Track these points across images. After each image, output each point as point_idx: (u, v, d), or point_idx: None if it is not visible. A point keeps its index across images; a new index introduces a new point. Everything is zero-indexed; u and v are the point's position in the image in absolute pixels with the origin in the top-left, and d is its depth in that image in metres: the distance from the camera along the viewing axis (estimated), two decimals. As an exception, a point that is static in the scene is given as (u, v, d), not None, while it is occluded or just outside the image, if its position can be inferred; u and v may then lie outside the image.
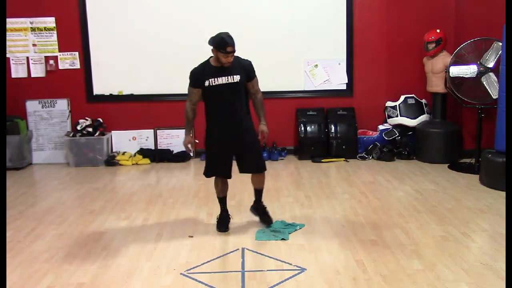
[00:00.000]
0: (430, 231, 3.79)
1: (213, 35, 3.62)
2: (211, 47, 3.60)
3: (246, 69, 3.73)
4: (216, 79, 3.64)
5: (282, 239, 3.69)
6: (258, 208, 4.03)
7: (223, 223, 3.94)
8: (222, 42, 3.53)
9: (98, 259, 3.43)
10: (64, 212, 4.48)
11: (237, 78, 3.66)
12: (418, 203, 4.47)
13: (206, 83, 3.65)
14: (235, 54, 3.65)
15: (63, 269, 3.29)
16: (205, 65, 3.72)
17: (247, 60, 3.79)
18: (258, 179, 3.92)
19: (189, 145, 3.86)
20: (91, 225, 4.12)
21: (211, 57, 3.71)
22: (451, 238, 3.64)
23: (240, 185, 5.01)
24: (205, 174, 3.93)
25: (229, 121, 3.73)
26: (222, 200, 4.01)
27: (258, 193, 4.00)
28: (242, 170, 3.86)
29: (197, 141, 6.59)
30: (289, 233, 3.78)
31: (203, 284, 3.04)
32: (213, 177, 3.93)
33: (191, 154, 3.76)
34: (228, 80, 3.65)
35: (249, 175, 3.91)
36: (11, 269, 3.30)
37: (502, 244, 3.49)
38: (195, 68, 3.77)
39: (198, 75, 3.70)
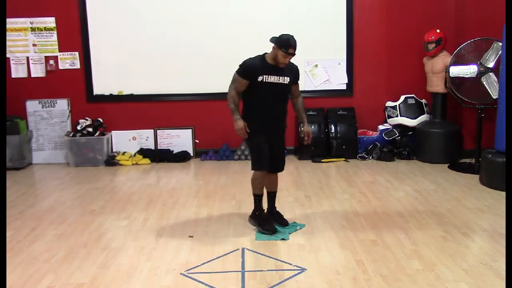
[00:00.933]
0: (430, 231, 3.79)
1: (278, 35, 3.71)
2: (273, 45, 3.70)
3: (295, 73, 3.87)
4: (270, 76, 3.72)
5: (282, 239, 3.69)
6: (273, 214, 4.00)
7: (270, 222, 3.86)
8: (286, 43, 3.63)
9: (98, 259, 3.43)
10: (64, 212, 4.48)
11: (287, 80, 3.77)
12: (418, 203, 4.47)
13: (260, 78, 3.70)
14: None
15: (63, 269, 3.29)
16: (261, 60, 3.76)
17: (296, 65, 3.91)
18: (273, 179, 3.97)
19: (245, 128, 3.72)
20: (91, 225, 4.12)
21: (266, 53, 3.78)
22: (451, 238, 3.64)
23: (240, 185, 5.02)
24: (258, 168, 3.79)
25: (274, 119, 3.83)
26: (262, 198, 3.90)
27: (273, 197, 4.03)
28: (270, 169, 3.86)
29: (197, 141, 6.61)
30: (289, 233, 3.79)
31: (203, 284, 3.04)
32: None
33: (246, 136, 3.68)
34: (279, 80, 3.74)
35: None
36: (11, 269, 3.30)
37: (502, 244, 3.49)
38: (250, 59, 3.79)
39: (253, 68, 3.72)
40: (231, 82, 3.79)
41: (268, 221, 3.86)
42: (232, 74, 3.77)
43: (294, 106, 3.98)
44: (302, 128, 3.97)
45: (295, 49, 3.66)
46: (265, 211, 3.98)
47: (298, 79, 3.92)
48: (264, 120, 3.78)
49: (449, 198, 4.60)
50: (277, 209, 4.06)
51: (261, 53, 3.81)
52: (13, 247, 3.67)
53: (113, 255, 3.50)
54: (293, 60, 3.83)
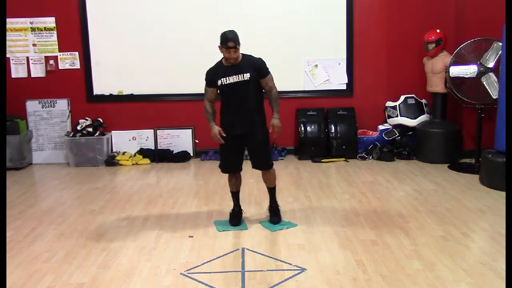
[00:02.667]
0: (430, 231, 3.79)
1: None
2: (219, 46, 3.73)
3: (257, 67, 3.81)
4: (227, 78, 3.76)
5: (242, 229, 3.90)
6: (270, 209, 4.12)
7: (235, 217, 4.05)
8: (223, 37, 3.68)
9: (98, 259, 3.43)
10: (64, 212, 4.48)
11: (247, 76, 3.76)
12: (418, 203, 4.47)
13: (219, 82, 3.79)
14: (247, 53, 3.81)
15: (63, 269, 3.29)
16: (218, 65, 3.86)
17: (258, 58, 3.87)
18: (266, 177, 4.05)
19: (219, 135, 3.82)
20: (91, 225, 4.12)
21: (223, 57, 3.81)
22: (451, 238, 3.64)
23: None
24: (221, 170, 4.05)
25: (240, 118, 3.83)
26: (235, 195, 4.11)
27: (270, 192, 4.12)
28: (252, 166, 4.00)
29: (197, 141, 6.61)
30: (274, 230, 3.86)
31: (203, 284, 3.04)
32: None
33: (222, 141, 3.77)
34: (238, 79, 3.75)
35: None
36: (11, 269, 3.30)
37: (502, 244, 3.49)
38: (210, 68, 3.90)
39: (211, 75, 3.84)
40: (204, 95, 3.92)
41: (233, 216, 4.06)
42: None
43: (268, 101, 3.90)
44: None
45: (234, 41, 3.66)
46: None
47: (264, 72, 3.84)
48: (232, 119, 3.83)
49: (449, 198, 4.60)
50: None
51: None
52: (13, 247, 3.67)
53: (113, 255, 3.50)
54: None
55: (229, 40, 3.65)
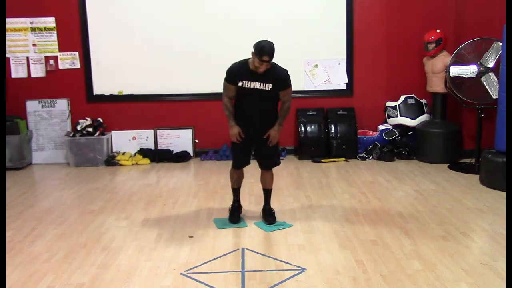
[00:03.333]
0: (430, 231, 3.79)
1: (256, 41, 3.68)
2: (252, 50, 3.67)
3: (280, 80, 3.80)
4: (250, 82, 3.75)
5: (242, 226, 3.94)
6: (264, 211, 4.11)
7: (234, 213, 4.08)
8: (260, 49, 3.59)
9: (98, 259, 3.43)
10: (64, 212, 4.48)
11: (269, 86, 3.76)
12: (418, 203, 4.47)
13: (240, 84, 3.77)
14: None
15: (63, 269, 3.29)
16: (243, 65, 3.79)
17: (284, 70, 3.84)
18: (264, 177, 4.06)
19: (238, 135, 3.84)
20: (91, 225, 4.12)
21: (251, 58, 3.76)
22: (451, 238, 3.64)
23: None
24: (233, 166, 4.07)
25: (254, 120, 3.86)
26: (236, 191, 4.15)
27: (266, 194, 4.12)
28: (258, 164, 4.05)
29: (197, 141, 6.61)
30: (270, 231, 3.86)
31: (203, 284, 3.04)
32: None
33: (239, 141, 3.86)
34: (260, 86, 3.75)
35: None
36: (11, 269, 3.30)
37: (502, 244, 3.49)
38: (233, 65, 3.84)
39: (235, 73, 3.78)
40: (223, 89, 3.88)
41: (233, 213, 4.09)
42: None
43: (279, 109, 3.96)
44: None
45: (270, 56, 3.61)
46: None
47: (285, 85, 3.84)
48: (246, 120, 3.85)
49: (449, 198, 4.60)
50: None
51: (248, 57, 3.80)
52: (13, 247, 3.67)
53: (113, 255, 3.50)
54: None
55: (264, 54, 3.58)
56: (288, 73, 3.86)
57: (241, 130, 3.83)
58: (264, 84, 3.74)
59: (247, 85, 3.75)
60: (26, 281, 3.14)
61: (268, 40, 3.69)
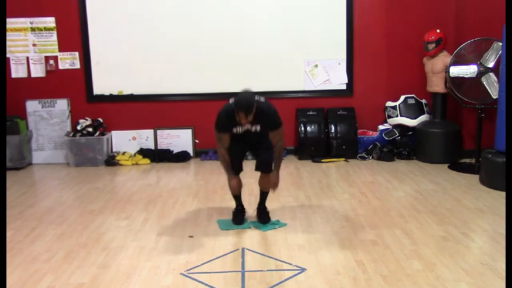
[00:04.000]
0: (430, 231, 3.79)
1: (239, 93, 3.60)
2: None
3: (268, 120, 3.71)
4: (240, 127, 3.72)
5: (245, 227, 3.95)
6: (258, 210, 4.11)
7: (238, 216, 4.06)
8: (237, 104, 3.52)
9: (98, 259, 3.43)
10: (64, 212, 4.48)
11: (258, 128, 3.73)
12: (418, 203, 4.47)
13: (234, 130, 3.73)
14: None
15: (63, 269, 3.29)
16: (231, 115, 3.63)
17: (271, 110, 3.71)
18: (263, 180, 4.02)
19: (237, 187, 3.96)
20: (91, 225, 4.12)
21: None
22: (451, 238, 3.64)
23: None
24: (231, 174, 4.02)
25: (249, 143, 3.91)
26: (237, 198, 4.13)
27: (263, 195, 4.11)
28: (255, 167, 4.02)
29: (197, 141, 6.61)
30: (266, 230, 3.87)
31: (203, 284, 3.04)
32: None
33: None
34: (250, 128, 3.73)
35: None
36: (11, 269, 3.30)
37: (502, 244, 3.49)
38: (222, 113, 3.71)
39: (225, 123, 3.70)
40: (217, 141, 3.83)
41: (236, 215, 4.07)
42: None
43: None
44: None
45: (246, 113, 3.47)
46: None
47: (273, 126, 3.73)
48: (237, 144, 3.86)
49: (449, 198, 4.60)
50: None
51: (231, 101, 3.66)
52: (13, 247, 3.67)
53: (113, 255, 3.50)
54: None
55: (239, 110, 3.49)
56: (277, 111, 3.74)
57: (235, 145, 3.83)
58: (253, 126, 3.71)
59: (239, 131, 3.73)
60: (26, 281, 3.14)
61: (249, 92, 3.60)
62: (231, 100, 3.63)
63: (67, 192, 5.17)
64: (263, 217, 4.05)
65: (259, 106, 3.58)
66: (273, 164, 3.90)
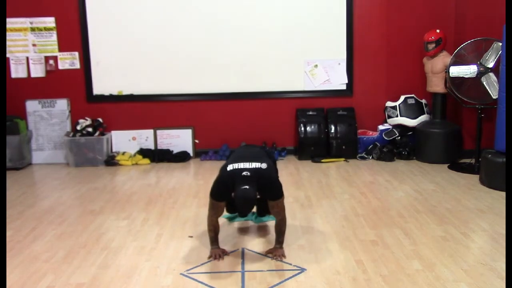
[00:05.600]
0: (430, 231, 3.79)
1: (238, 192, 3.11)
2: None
3: (265, 187, 3.25)
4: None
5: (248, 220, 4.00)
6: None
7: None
8: (238, 206, 3.15)
9: (98, 259, 3.43)
10: (64, 212, 4.48)
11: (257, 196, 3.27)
12: (418, 203, 4.47)
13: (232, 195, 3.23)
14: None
15: (63, 269, 3.29)
16: (229, 185, 3.21)
17: (272, 178, 3.33)
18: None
19: (219, 256, 3.39)
20: (91, 225, 4.12)
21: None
22: (451, 238, 3.64)
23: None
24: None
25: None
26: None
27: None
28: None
29: (197, 141, 6.61)
30: (259, 222, 3.95)
31: (203, 284, 3.04)
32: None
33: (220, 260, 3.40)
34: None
35: None
36: (11, 269, 3.30)
37: (502, 244, 3.49)
38: (219, 183, 3.30)
39: (225, 193, 3.28)
40: (208, 208, 3.36)
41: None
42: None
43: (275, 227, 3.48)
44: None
45: (244, 212, 3.23)
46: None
47: (272, 196, 3.29)
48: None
49: (449, 198, 4.60)
50: None
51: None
52: (13, 247, 3.67)
53: (113, 255, 3.50)
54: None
55: (241, 212, 3.30)
56: (279, 181, 3.36)
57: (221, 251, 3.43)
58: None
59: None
60: (26, 281, 3.14)
61: (248, 189, 3.08)
62: (230, 172, 3.23)
63: (67, 192, 5.17)
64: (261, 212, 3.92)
65: (260, 176, 3.20)
66: (275, 239, 3.46)
